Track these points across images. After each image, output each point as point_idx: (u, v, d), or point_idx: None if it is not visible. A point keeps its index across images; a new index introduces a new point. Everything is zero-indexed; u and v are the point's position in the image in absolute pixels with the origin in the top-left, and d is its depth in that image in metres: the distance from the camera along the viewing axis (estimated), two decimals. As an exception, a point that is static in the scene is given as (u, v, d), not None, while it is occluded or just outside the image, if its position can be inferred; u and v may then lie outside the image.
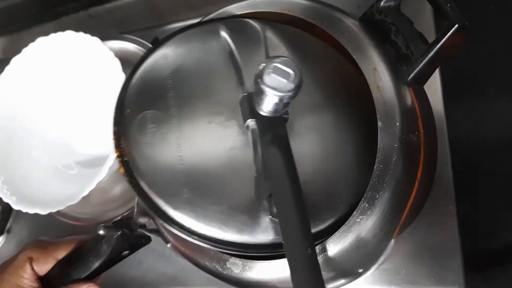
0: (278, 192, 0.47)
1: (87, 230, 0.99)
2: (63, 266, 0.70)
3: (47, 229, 1.02)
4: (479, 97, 0.90)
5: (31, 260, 0.68)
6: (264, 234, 0.53)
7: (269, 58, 0.46)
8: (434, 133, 0.67)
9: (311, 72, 0.60)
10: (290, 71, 0.45)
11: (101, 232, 0.63)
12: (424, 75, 0.59)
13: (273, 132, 0.51)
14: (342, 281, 0.60)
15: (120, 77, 0.82)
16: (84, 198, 0.83)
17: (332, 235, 0.54)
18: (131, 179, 0.54)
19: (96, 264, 0.66)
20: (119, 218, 0.67)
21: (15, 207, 0.82)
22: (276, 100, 0.47)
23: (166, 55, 0.62)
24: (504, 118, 0.86)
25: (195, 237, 0.52)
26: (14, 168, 0.90)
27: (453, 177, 0.75)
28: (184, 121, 0.58)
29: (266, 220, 0.53)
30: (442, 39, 0.54)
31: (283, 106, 0.52)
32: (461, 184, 0.75)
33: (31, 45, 0.93)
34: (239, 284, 0.60)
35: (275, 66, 0.45)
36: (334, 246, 0.54)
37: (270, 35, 0.63)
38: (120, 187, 1.01)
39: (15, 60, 0.93)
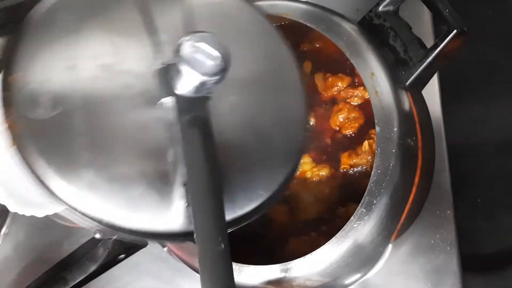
0: (193, 180, 0.41)
1: (85, 232, 0.96)
2: (58, 270, 0.69)
3: (44, 231, 0.99)
4: (477, 100, 0.88)
5: None
6: (177, 222, 0.42)
7: (193, 32, 0.36)
8: (432, 138, 0.67)
9: (242, 48, 0.47)
10: (216, 52, 0.36)
11: (97, 235, 0.61)
12: (423, 80, 0.59)
13: (193, 113, 0.42)
14: (340, 286, 0.59)
15: None
16: None
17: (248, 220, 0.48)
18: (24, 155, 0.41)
19: (92, 268, 0.65)
20: None
21: (11, 209, 0.81)
22: (197, 83, 0.37)
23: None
24: (502, 122, 0.85)
25: (101, 224, 0.43)
26: (10, 168, 0.88)
27: (451, 181, 0.73)
28: (89, 96, 0.41)
29: (180, 207, 0.41)
30: (440, 44, 0.55)
31: (206, 89, 0.40)
32: (459, 188, 0.74)
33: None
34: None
35: (199, 44, 0.36)
36: (331, 252, 0.54)
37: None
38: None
39: None
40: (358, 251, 0.55)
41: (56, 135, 0.39)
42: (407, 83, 0.57)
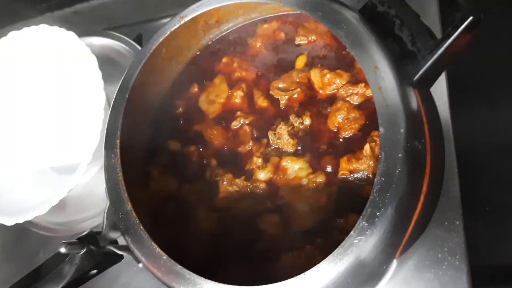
0: None
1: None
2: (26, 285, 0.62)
3: (17, 240, 0.94)
4: (487, 100, 0.86)
5: None
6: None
7: None
8: (441, 140, 0.62)
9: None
10: None
11: (63, 250, 0.55)
12: (432, 75, 0.54)
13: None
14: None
15: (96, 75, 0.74)
16: (57, 206, 0.76)
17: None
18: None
19: (59, 286, 0.58)
20: (85, 233, 0.59)
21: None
22: None
23: None
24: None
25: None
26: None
27: (460, 188, 0.68)
28: None
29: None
30: (454, 33, 0.48)
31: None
32: (467, 195, 0.69)
33: (2, 39, 0.85)
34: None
35: None
36: (328, 271, 0.48)
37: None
38: (99, 194, 0.93)
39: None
40: (358, 270, 0.49)
41: None
42: (415, 78, 0.51)
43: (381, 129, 0.49)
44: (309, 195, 0.62)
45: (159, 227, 0.66)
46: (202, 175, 0.70)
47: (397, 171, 0.48)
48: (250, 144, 0.68)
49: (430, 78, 0.54)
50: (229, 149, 0.71)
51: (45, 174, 0.92)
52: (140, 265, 0.57)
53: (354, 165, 0.60)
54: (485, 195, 0.80)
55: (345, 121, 0.63)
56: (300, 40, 0.72)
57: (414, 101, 0.52)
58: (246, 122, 0.71)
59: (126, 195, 0.60)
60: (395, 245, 0.52)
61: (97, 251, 0.60)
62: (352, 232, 0.48)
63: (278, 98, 0.69)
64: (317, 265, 0.48)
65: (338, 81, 0.65)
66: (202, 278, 0.51)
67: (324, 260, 0.47)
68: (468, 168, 0.71)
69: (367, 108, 0.63)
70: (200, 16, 0.69)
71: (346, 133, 0.63)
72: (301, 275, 0.48)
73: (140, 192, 0.68)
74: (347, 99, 0.64)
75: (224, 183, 0.66)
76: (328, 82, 0.66)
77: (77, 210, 0.92)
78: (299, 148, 0.65)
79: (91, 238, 0.60)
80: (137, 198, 0.63)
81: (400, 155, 0.48)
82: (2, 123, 0.91)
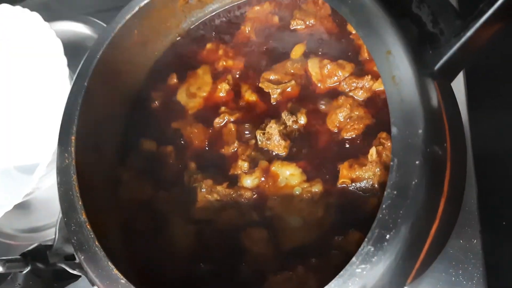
0: None
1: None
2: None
3: None
4: (506, 102, 0.79)
5: None
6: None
7: None
8: (463, 145, 0.53)
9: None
10: None
11: (0, 268, 0.46)
12: (456, 65, 0.46)
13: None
14: None
15: (61, 62, 0.66)
16: (22, 210, 0.74)
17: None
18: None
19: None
20: (31, 247, 0.50)
21: None
22: None
23: None
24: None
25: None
26: None
27: (478, 201, 0.65)
28: None
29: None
30: (488, 10, 0.40)
31: None
32: (486, 209, 0.65)
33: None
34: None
35: None
36: None
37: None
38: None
39: None
40: (361, 306, 0.42)
41: None
42: (436, 67, 0.44)
43: (394, 129, 0.41)
44: (303, 207, 0.57)
45: (126, 242, 0.61)
46: (179, 181, 0.64)
47: (413, 182, 0.40)
48: (235, 145, 0.63)
49: (454, 68, 0.46)
50: (211, 150, 0.65)
51: (9, 174, 0.86)
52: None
53: (357, 173, 0.54)
54: (502, 209, 0.73)
55: (348, 120, 0.58)
56: (297, 24, 0.67)
57: (434, 95, 0.44)
58: (231, 120, 0.65)
59: (80, 203, 0.53)
60: (406, 273, 0.45)
61: (45, 270, 0.53)
62: (354, 259, 0.41)
63: (268, 92, 0.64)
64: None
65: (340, 73, 0.60)
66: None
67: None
68: (487, 178, 0.67)
69: (374, 105, 0.58)
70: (179, -8, 0.64)
71: (348, 134, 0.57)
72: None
73: (106, 200, 0.62)
74: (351, 94, 0.59)
75: (203, 190, 0.60)
76: (328, 74, 0.61)
77: (44, 214, 0.87)
78: (292, 151, 0.60)
79: (38, 254, 0.53)
80: (101, 208, 0.59)
81: (417, 162, 0.40)
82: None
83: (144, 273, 0.58)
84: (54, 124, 0.66)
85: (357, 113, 0.57)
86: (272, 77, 0.64)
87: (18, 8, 0.75)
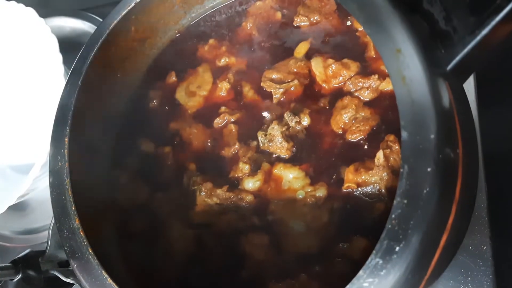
0: None
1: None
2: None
3: None
4: None
5: None
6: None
7: None
8: (475, 150, 0.52)
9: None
10: None
11: None
12: (470, 65, 0.43)
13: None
14: None
15: (56, 59, 0.64)
16: (19, 211, 0.74)
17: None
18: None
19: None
20: (23, 253, 0.49)
21: None
22: None
23: None
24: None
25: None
26: None
27: (488, 206, 0.63)
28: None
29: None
30: (507, 5, 0.37)
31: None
32: (497, 215, 0.63)
33: None
34: None
35: None
36: None
37: None
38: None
39: None
40: (367, 322, 0.40)
41: None
42: (449, 67, 0.41)
43: (404, 134, 0.39)
44: (306, 212, 0.55)
45: (123, 246, 0.60)
46: (178, 183, 0.63)
47: (425, 191, 0.38)
48: (236, 146, 0.62)
49: (467, 68, 0.43)
50: (210, 152, 0.63)
51: (4, 173, 0.85)
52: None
53: (363, 177, 0.53)
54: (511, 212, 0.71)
55: (353, 121, 0.56)
56: (300, 21, 0.65)
57: (447, 98, 0.42)
58: (232, 120, 0.64)
59: (73, 208, 0.51)
60: (415, 287, 0.42)
61: (37, 278, 0.51)
62: (361, 272, 0.38)
63: (271, 92, 0.62)
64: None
65: (345, 72, 0.59)
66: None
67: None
68: (497, 182, 0.65)
69: (380, 105, 0.56)
70: (177, -13, 0.63)
71: (354, 136, 0.56)
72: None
73: (102, 204, 0.61)
74: (356, 94, 0.58)
75: (202, 193, 0.59)
76: (333, 74, 0.60)
77: (42, 216, 0.86)
78: (295, 153, 0.59)
79: (30, 261, 0.51)
80: (96, 211, 0.57)
81: (429, 169, 0.38)
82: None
83: (142, 278, 0.57)
84: (49, 123, 0.64)
85: (363, 114, 0.56)
86: (274, 76, 0.62)
87: (12, 3, 0.74)
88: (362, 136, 0.55)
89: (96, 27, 0.85)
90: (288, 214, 0.56)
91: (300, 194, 0.56)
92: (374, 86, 0.56)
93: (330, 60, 0.60)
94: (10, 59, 0.79)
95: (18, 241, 0.85)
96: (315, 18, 0.63)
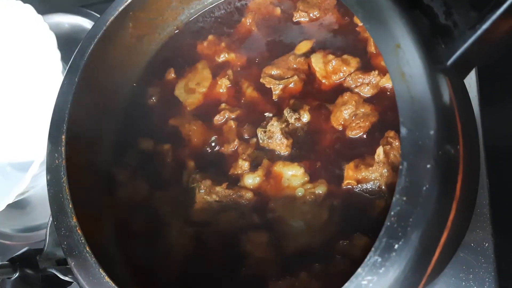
0: None
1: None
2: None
3: None
4: None
5: None
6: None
7: None
8: (476, 147, 0.51)
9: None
10: None
11: None
12: (471, 61, 0.43)
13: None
14: None
15: (54, 56, 0.63)
16: (19, 209, 0.74)
17: None
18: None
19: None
20: (20, 252, 0.49)
21: None
22: None
23: None
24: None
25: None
26: None
27: (489, 202, 0.62)
28: None
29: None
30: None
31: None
32: (499, 211, 0.62)
33: None
34: None
35: None
36: None
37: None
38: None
39: None
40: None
41: None
42: (449, 62, 0.41)
43: (403, 130, 0.38)
44: (306, 209, 0.55)
45: (121, 245, 0.59)
46: (177, 180, 0.62)
47: (424, 188, 0.37)
48: (236, 143, 0.61)
49: (468, 64, 0.43)
50: (210, 149, 0.63)
51: (3, 170, 0.84)
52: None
53: (363, 174, 0.53)
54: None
55: (353, 117, 0.56)
56: (300, 16, 0.64)
57: (447, 93, 0.41)
58: (232, 117, 0.63)
59: (70, 206, 0.50)
60: (415, 284, 0.42)
61: (35, 276, 0.51)
62: (360, 270, 0.38)
63: (270, 88, 0.62)
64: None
65: (345, 68, 0.58)
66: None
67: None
68: (499, 178, 0.64)
69: (381, 102, 0.56)
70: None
71: (354, 132, 0.56)
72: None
73: (100, 202, 0.61)
74: (356, 90, 0.57)
75: (201, 191, 0.58)
76: (333, 70, 0.59)
77: (42, 213, 0.85)
78: (295, 150, 0.58)
79: (28, 259, 0.51)
80: (95, 209, 0.58)
81: (428, 166, 0.37)
82: None
83: (141, 277, 0.56)
84: (48, 121, 0.64)
85: (363, 110, 0.55)
86: (274, 72, 0.62)
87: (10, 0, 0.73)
88: (362, 133, 0.55)
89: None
90: (288, 212, 0.56)
91: (300, 192, 0.56)
92: (374, 82, 0.56)
93: (330, 56, 0.59)
94: (8, 56, 0.78)
95: (18, 239, 0.85)
96: (314, 13, 0.63)
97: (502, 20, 0.38)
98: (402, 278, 0.38)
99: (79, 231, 0.49)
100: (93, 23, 0.88)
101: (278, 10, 0.67)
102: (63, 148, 0.52)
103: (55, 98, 0.56)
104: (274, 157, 0.58)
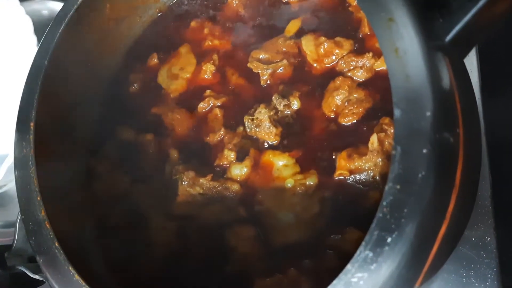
0: None
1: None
2: None
3: None
4: None
5: None
6: None
7: None
8: (478, 131, 0.50)
9: None
10: None
11: None
12: (471, 37, 0.41)
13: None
14: None
15: (30, 42, 0.60)
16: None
17: None
18: None
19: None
20: None
21: None
22: None
23: None
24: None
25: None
26: None
27: (492, 194, 0.60)
28: None
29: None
30: None
31: None
32: (501, 203, 0.61)
33: None
34: None
35: None
36: None
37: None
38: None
39: None
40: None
41: None
42: (447, 38, 0.38)
43: (397, 112, 0.36)
44: (296, 202, 0.54)
45: (100, 240, 0.58)
46: (159, 172, 0.61)
47: (420, 175, 0.35)
48: (221, 132, 0.59)
49: (468, 40, 0.41)
50: (194, 138, 0.61)
51: None
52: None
53: (356, 163, 0.51)
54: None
55: (346, 103, 0.54)
56: None
57: (445, 72, 0.38)
58: (217, 104, 0.61)
59: (39, 198, 0.48)
60: (411, 282, 0.39)
61: (2, 274, 0.49)
62: (349, 266, 0.36)
63: (258, 73, 0.60)
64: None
65: (337, 51, 0.56)
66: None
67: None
68: (502, 169, 0.63)
69: (375, 86, 0.54)
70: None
71: (347, 119, 0.54)
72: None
73: (77, 195, 0.59)
74: (349, 74, 0.56)
75: (184, 183, 0.56)
76: (324, 53, 0.58)
77: None
78: (284, 139, 0.57)
79: None
80: (70, 203, 0.55)
81: (424, 151, 0.35)
82: None
83: (121, 273, 0.54)
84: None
85: (356, 95, 0.54)
86: (262, 56, 0.60)
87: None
88: (356, 120, 0.53)
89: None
90: (277, 205, 0.54)
91: (289, 183, 0.54)
92: (368, 65, 0.54)
93: (322, 38, 0.58)
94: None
95: (2, 236, 0.83)
96: (304, -8, 0.60)
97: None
98: (396, 274, 0.36)
99: (48, 225, 0.46)
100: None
101: (266, -10, 0.65)
102: (31, 137, 0.50)
103: (24, 84, 0.52)
104: (262, 146, 0.56)
